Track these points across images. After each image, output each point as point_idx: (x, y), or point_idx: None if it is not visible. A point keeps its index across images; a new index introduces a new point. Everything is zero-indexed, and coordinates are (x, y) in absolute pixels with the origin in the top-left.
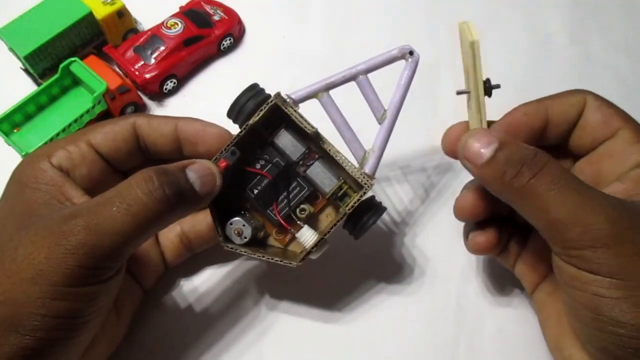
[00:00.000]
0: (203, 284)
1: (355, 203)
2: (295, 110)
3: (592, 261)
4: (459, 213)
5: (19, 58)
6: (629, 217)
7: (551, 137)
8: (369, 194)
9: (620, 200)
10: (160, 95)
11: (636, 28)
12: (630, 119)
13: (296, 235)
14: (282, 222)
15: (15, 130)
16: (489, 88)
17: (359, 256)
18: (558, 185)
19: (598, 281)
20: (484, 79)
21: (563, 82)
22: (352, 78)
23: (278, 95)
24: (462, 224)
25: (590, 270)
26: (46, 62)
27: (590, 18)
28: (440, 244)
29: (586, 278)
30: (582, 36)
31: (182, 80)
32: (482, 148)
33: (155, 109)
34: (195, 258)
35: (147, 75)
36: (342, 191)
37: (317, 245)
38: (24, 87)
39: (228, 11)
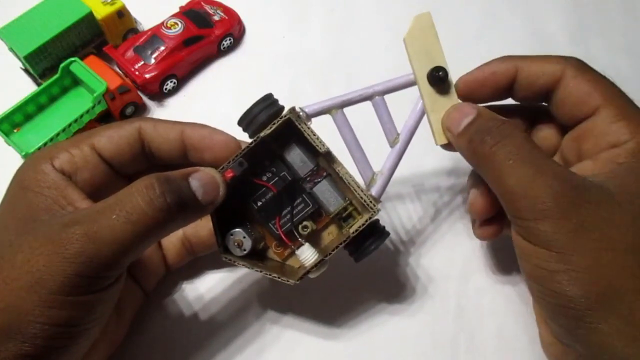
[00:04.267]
0: (205, 289)
1: (360, 227)
2: (308, 127)
3: (535, 233)
4: (474, 214)
5: (19, 58)
6: (576, 194)
7: (517, 97)
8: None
9: (573, 176)
10: (160, 95)
11: (636, 28)
12: (612, 93)
13: (296, 252)
14: (283, 237)
15: (15, 130)
16: (435, 77)
17: (360, 270)
18: (516, 156)
19: (540, 253)
20: (432, 67)
21: None
22: (368, 98)
23: (292, 110)
24: (460, 240)
25: (533, 242)
26: (46, 62)
27: (590, 18)
28: (443, 261)
29: (530, 250)
30: (582, 36)
31: (182, 80)
32: (461, 118)
33: (155, 109)
34: (197, 262)
35: (147, 75)
36: (346, 212)
37: (317, 265)
38: (24, 87)
39: (228, 11)
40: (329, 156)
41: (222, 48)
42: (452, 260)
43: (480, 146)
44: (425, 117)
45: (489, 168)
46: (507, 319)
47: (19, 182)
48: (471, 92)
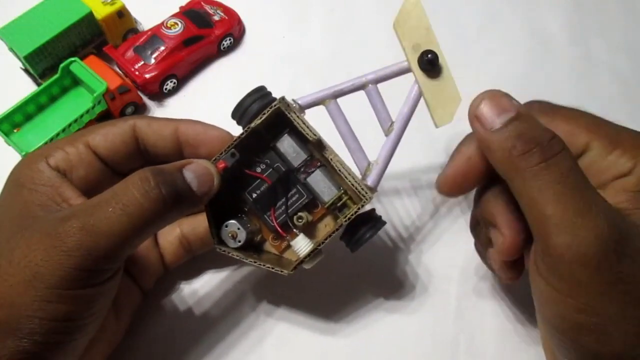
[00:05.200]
0: (204, 288)
1: (352, 215)
2: (298, 116)
3: (565, 278)
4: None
5: (19, 58)
6: (621, 241)
7: None
8: (370, 206)
9: (621, 217)
10: (160, 95)
11: (636, 28)
12: (594, 125)
13: (291, 243)
14: (278, 228)
15: (15, 130)
16: (424, 61)
17: (359, 267)
18: (565, 180)
19: (565, 302)
20: (423, 50)
21: (563, 82)
22: (361, 87)
23: (282, 99)
24: (460, 237)
25: (558, 288)
26: (46, 62)
27: (590, 18)
28: (443, 258)
29: (554, 296)
30: (582, 36)
31: (182, 80)
32: (497, 112)
33: (155, 109)
34: (195, 262)
35: (147, 75)
36: (341, 202)
37: (310, 254)
38: (24, 87)
39: (228, 11)
40: (320, 144)
41: (222, 48)
42: (452, 260)
43: (524, 159)
44: (420, 108)
45: (528, 186)
46: (508, 320)
47: (14, 180)
48: (459, 188)
